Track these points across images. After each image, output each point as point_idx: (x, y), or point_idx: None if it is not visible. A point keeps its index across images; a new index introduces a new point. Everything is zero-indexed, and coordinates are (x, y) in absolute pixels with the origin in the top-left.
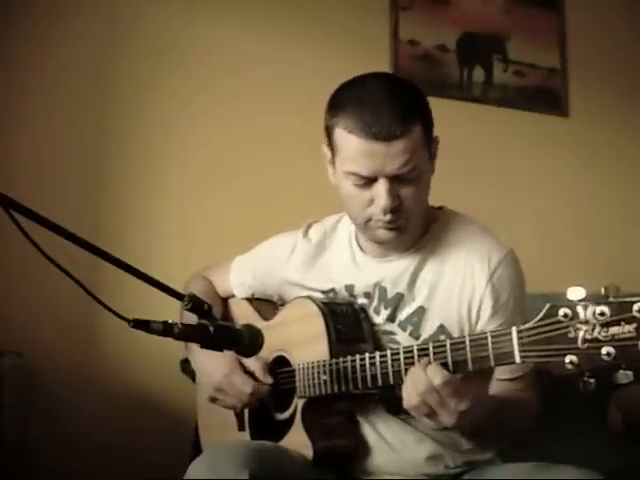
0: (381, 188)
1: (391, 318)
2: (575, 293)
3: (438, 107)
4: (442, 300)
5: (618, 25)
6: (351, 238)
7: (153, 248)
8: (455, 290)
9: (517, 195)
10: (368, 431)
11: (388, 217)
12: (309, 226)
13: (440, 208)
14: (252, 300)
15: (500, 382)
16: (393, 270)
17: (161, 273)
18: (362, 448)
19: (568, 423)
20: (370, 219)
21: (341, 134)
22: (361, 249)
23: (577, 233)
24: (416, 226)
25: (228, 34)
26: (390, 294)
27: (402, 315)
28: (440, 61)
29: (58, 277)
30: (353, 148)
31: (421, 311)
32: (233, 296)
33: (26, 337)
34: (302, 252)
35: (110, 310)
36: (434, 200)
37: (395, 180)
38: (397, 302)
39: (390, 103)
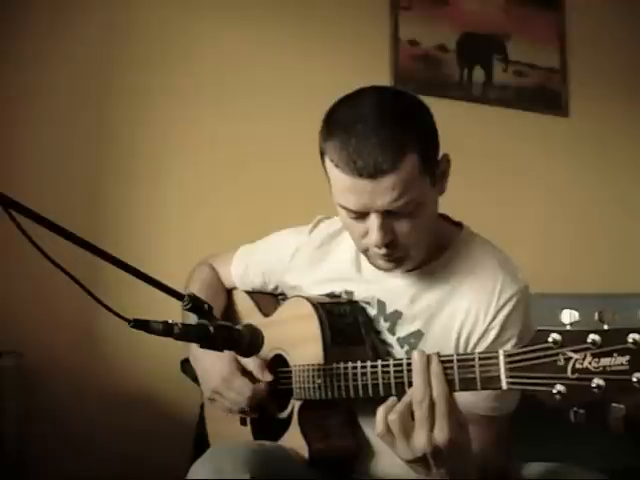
0: (372, 224)
1: (392, 331)
2: (568, 316)
3: (438, 107)
4: (441, 328)
5: (618, 25)
6: None
7: (153, 248)
8: (457, 320)
9: (517, 195)
10: (369, 434)
11: (383, 251)
12: (318, 223)
13: (459, 224)
14: (253, 294)
15: (476, 420)
16: (395, 287)
17: (161, 273)
18: (363, 451)
19: (568, 423)
20: (368, 249)
21: (329, 165)
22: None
23: (577, 233)
24: (419, 254)
25: (229, 33)
26: (389, 310)
27: (401, 332)
28: (440, 61)
29: (58, 277)
30: (340, 182)
31: (419, 335)
32: (236, 287)
33: (26, 337)
34: (305, 254)
35: (110, 310)
36: None
37: (388, 214)
38: (396, 319)
39: (379, 133)
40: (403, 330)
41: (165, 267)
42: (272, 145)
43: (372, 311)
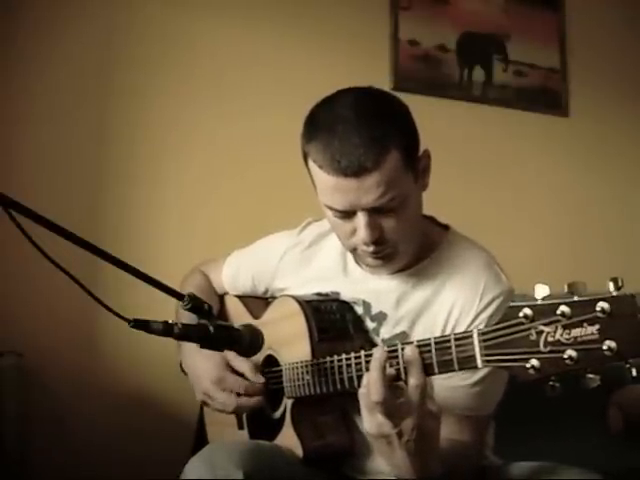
0: (360, 221)
1: (377, 332)
2: (540, 291)
3: (438, 107)
4: (424, 329)
5: (618, 25)
6: None
7: (153, 248)
8: (439, 321)
9: (517, 195)
10: (363, 430)
11: (372, 248)
12: (306, 225)
13: (446, 227)
14: (243, 297)
15: (453, 421)
16: (381, 288)
17: (161, 273)
18: (357, 448)
19: (568, 423)
20: (356, 248)
21: (313, 166)
22: (355, 260)
23: (576, 233)
24: (408, 249)
25: (228, 33)
26: (374, 310)
27: (385, 334)
28: (440, 61)
29: (58, 277)
30: (325, 183)
31: (403, 336)
32: (228, 293)
33: (26, 337)
34: (293, 255)
35: (110, 310)
36: (434, 200)
37: (375, 211)
38: (381, 320)
39: (361, 132)
40: (387, 332)
41: (165, 267)
42: (271, 146)
43: (359, 310)
